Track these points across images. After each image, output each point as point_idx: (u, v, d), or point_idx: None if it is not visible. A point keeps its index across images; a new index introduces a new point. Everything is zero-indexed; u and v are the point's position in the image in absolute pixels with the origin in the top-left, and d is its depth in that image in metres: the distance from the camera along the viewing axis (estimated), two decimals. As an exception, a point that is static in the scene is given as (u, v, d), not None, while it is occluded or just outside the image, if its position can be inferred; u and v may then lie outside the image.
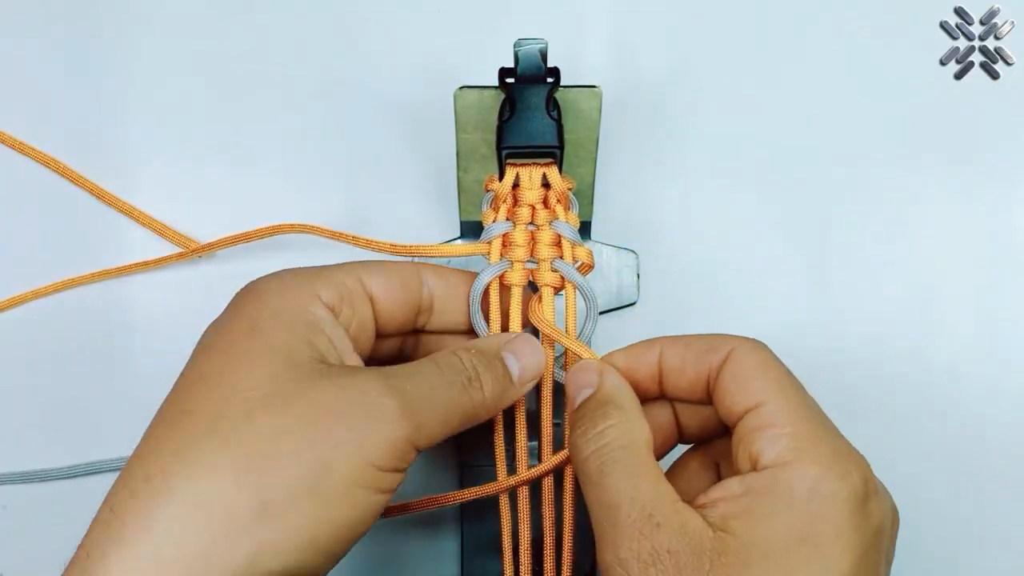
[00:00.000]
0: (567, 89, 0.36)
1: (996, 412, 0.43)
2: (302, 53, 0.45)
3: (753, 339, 0.32)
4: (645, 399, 0.33)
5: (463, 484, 0.41)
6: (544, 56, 0.35)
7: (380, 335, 0.34)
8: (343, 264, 0.33)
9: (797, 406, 0.30)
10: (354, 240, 0.36)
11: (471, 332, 0.35)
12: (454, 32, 0.45)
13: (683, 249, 0.43)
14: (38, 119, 0.44)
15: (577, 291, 0.35)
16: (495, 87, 0.36)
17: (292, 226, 0.39)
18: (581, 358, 0.34)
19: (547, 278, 0.36)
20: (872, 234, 0.44)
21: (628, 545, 0.28)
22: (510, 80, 0.35)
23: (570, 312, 0.36)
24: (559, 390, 0.35)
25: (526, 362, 0.33)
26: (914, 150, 0.44)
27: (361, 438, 0.27)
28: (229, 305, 0.31)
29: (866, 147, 0.44)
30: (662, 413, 0.34)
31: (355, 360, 0.31)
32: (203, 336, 0.31)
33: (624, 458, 0.30)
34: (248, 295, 0.31)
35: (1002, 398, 0.43)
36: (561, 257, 0.36)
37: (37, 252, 0.44)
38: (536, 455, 0.36)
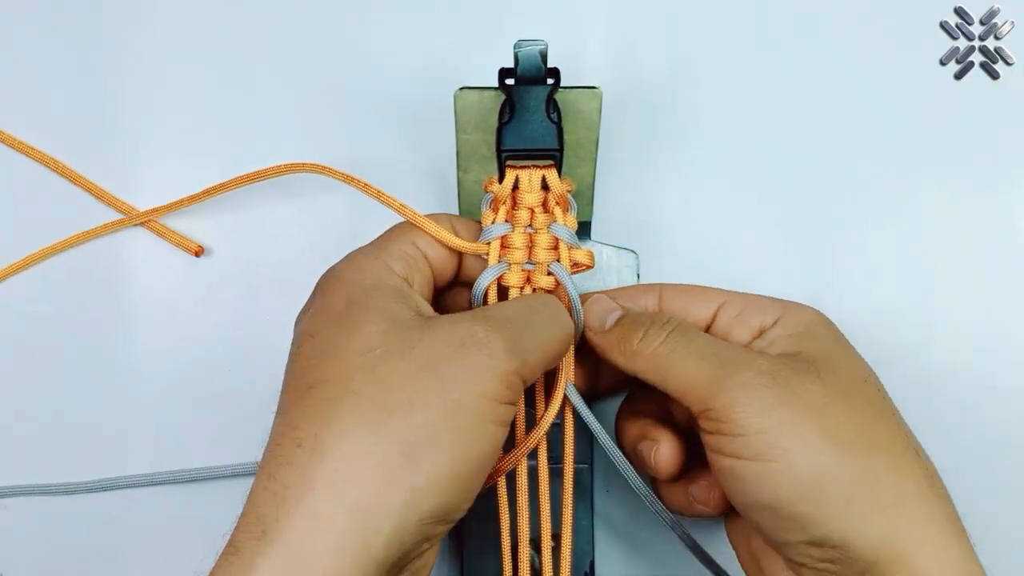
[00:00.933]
0: (567, 90, 0.36)
1: (996, 411, 0.43)
2: (302, 54, 0.45)
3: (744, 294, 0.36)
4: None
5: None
6: (544, 57, 0.35)
7: (435, 291, 0.36)
8: (392, 232, 0.35)
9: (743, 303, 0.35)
10: (366, 187, 0.36)
11: None
12: (454, 33, 0.44)
13: (683, 249, 0.43)
14: (38, 119, 0.44)
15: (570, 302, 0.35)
16: (495, 88, 0.36)
17: (304, 165, 0.38)
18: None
19: (543, 282, 0.36)
20: (872, 234, 0.44)
21: (737, 377, 0.31)
22: (510, 81, 0.35)
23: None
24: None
25: (592, 309, 0.36)
26: (914, 150, 0.44)
27: (478, 375, 0.29)
28: (315, 293, 0.33)
29: (866, 147, 0.44)
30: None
31: (434, 315, 0.33)
32: (300, 325, 0.32)
33: (683, 335, 0.33)
34: (331, 279, 0.33)
35: (1002, 397, 0.43)
36: (559, 260, 0.36)
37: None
38: (533, 454, 0.36)
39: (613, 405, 0.41)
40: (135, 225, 0.44)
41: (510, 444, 0.36)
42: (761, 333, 0.35)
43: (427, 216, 0.35)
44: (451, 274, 0.36)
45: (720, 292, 0.36)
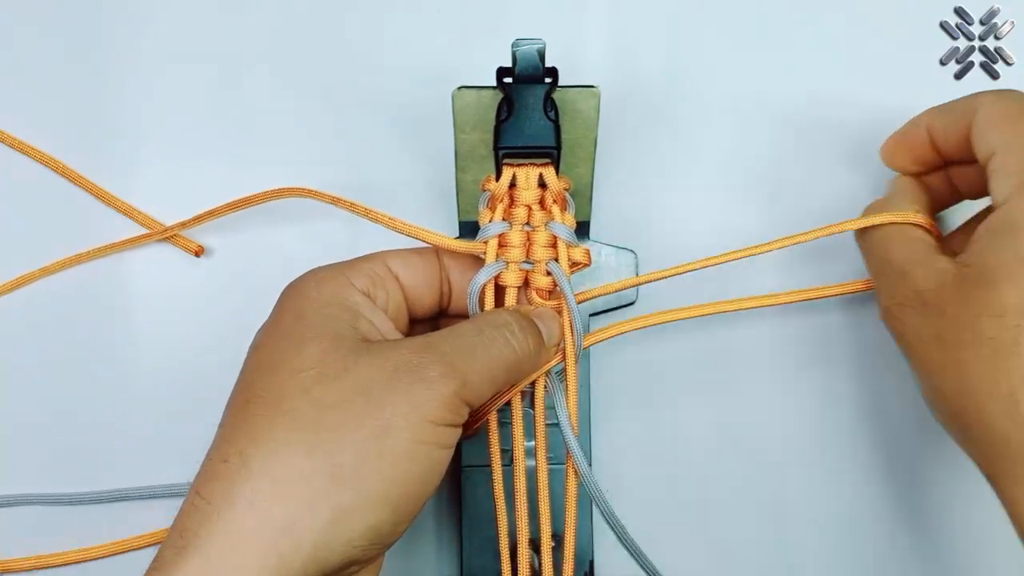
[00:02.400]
0: (565, 89, 0.36)
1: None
2: (302, 53, 0.45)
3: (998, 91, 0.36)
4: (931, 168, 0.39)
5: (462, 485, 0.41)
6: (542, 56, 0.35)
7: (412, 319, 0.36)
8: (368, 254, 0.35)
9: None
10: (352, 207, 0.36)
11: None
12: (453, 32, 0.45)
13: (682, 248, 0.43)
14: (38, 119, 0.45)
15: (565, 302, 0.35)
16: (494, 87, 0.36)
17: (292, 190, 0.39)
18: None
19: (540, 282, 0.35)
20: (871, 234, 0.44)
21: (886, 295, 0.35)
22: (508, 80, 0.35)
23: (566, 315, 0.36)
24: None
25: (551, 328, 0.35)
26: (914, 150, 0.44)
27: (411, 399, 0.29)
28: (275, 306, 0.33)
29: (866, 147, 0.44)
30: (936, 177, 0.39)
31: (397, 337, 0.33)
32: (256, 337, 0.33)
33: (885, 233, 0.36)
34: (289, 292, 0.33)
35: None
36: (556, 258, 0.36)
37: (37, 252, 0.44)
38: (532, 455, 0.36)
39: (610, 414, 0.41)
40: (135, 224, 0.44)
41: (509, 445, 0.36)
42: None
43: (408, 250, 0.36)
44: (431, 303, 0.36)
45: (928, 114, 0.38)
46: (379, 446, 0.28)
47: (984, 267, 0.32)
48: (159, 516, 0.43)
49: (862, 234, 0.37)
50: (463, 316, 0.36)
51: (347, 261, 0.34)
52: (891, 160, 0.39)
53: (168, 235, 0.43)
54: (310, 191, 0.38)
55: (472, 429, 0.35)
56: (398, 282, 0.35)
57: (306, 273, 0.34)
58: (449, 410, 0.30)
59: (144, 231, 0.44)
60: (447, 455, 0.30)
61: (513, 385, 0.35)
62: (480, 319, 0.33)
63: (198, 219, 0.42)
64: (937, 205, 0.40)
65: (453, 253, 0.36)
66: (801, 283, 0.43)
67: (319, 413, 0.29)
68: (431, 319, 0.37)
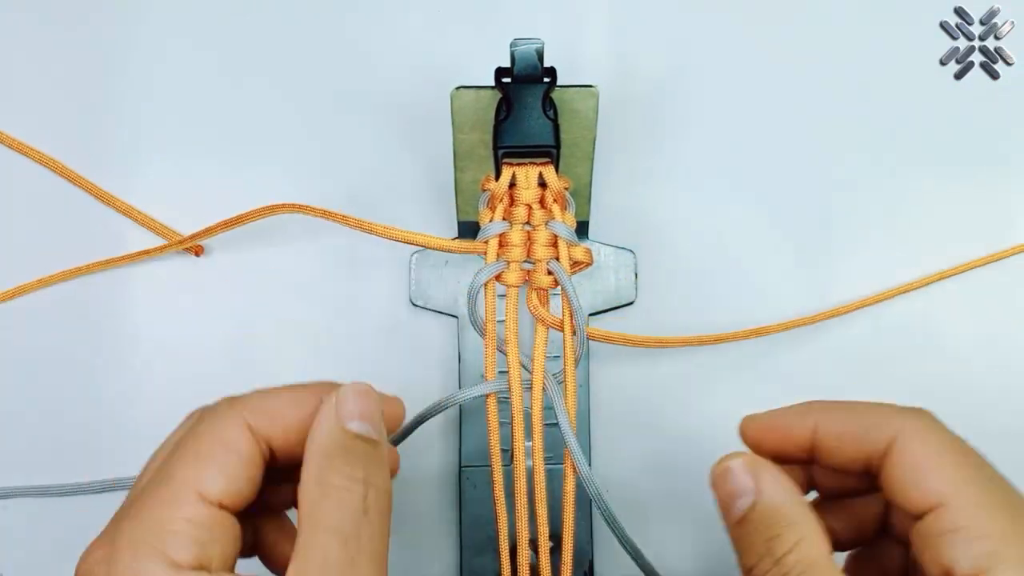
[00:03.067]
0: (564, 89, 0.36)
1: (997, 409, 0.43)
2: (301, 54, 0.45)
3: (919, 413, 0.29)
4: (793, 461, 0.31)
5: (462, 485, 0.41)
6: (540, 56, 0.35)
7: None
8: (161, 490, 0.27)
9: (986, 501, 0.27)
10: (344, 220, 0.36)
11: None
12: (452, 32, 0.45)
13: (682, 248, 0.43)
14: (38, 119, 0.45)
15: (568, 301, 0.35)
16: (492, 87, 0.36)
17: (284, 206, 0.38)
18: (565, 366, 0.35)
19: (542, 281, 0.35)
20: (871, 234, 0.44)
21: None
22: (506, 80, 0.35)
23: (567, 315, 0.36)
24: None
25: (350, 407, 0.28)
26: (914, 150, 0.44)
27: None
28: None
29: (866, 147, 0.44)
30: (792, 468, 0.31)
31: None
32: None
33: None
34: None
35: (1002, 396, 0.43)
36: (557, 257, 0.36)
37: (36, 252, 0.44)
38: (530, 455, 0.36)
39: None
40: (135, 224, 0.44)
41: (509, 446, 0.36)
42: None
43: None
44: (256, 486, 0.29)
45: (818, 411, 0.30)
46: None
47: None
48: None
49: None
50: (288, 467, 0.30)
51: (147, 522, 0.26)
52: (755, 443, 0.32)
53: (163, 250, 0.43)
54: (302, 206, 0.38)
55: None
56: (223, 508, 0.27)
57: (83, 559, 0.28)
58: None
59: (144, 231, 0.44)
60: None
61: None
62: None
63: (194, 236, 0.42)
64: None
65: (270, 415, 0.29)
66: (800, 281, 0.43)
67: None
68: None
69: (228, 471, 0.27)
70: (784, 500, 0.28)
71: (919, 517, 0.27)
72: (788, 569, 0.26)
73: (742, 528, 0.28)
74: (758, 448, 0.31)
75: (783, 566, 0.26)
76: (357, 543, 0.26)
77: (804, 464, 0.31)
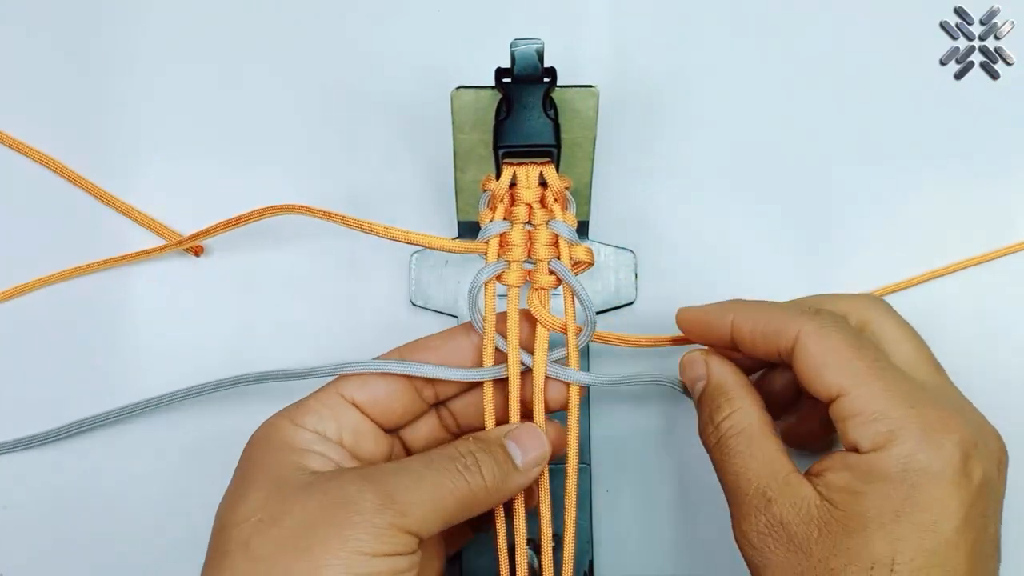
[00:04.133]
0: (564, 89, 0.36)
1: (997, 410, 0.43)
2: (301, 53, 0.45)
3: (817, 314, 0.33)
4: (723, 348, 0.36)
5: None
6: (540, 56, 0.35)
7: (394, 428, 0.36)
8: (322, 388, 0.35)
9: (879, 388, 0.31)
10: (344, 220, 0.36)
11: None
12: (452, 32, 0.45)
13: (681, 248, 0.43)
14: (38, 119, 0.45)
15: (575, 296, 0.35)
16: (492, 87, 0.36)
17: (283, 207, 0.38)
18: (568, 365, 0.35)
19: (543, 281, 0.35)
20: (871, 233, 0.44)
21: (747, 520, 0.32)
22: (507, 80, 0.35)
23: (569, 314, 0.36)
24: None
25: (529, 449, 0.34)
26: (914, 150, 0.44)
27: (345, 532, 0.29)
28: (237, 463, 0.34)
29: (866, 147, 0.44)
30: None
31: (354, 464, 0.33)
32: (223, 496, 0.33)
33: (738, 444, 0.33)
34: (245, 447, 0.34)
35: (1002, 396, 0.43)
36: (558, 257, 0.36)
37: (36, 252, 0.44)
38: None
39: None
40: (135, 224, 0.44)
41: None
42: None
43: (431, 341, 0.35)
44: (405, 410, 0.35)
45: (734, 310, 0.35)
46: None
47: (855, 516, 0.30)
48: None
49: (718, 448, 0.34)
50: (459, 393, 0.36)
51: (297, 402, 0.34)
52: (686, 332, 0.37)
53: (163, 250, 0.43)
54: (302, 207, 0.38)
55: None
56: (355, 407, 0.34)
57: (258, 428, 0.34)
58: (384, 541, 0.29)
59: (144, 231, 0.44)
60: None
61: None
62: (432, 451, 0.33)
63: (194, 236, 0.42)
64: None
65: (414, 348, 0.35)
66: (799, 280, 0.43)
67: (255, 564, 0.29)
68: (424, 414, 0.37)
69: (369, 383, 0.34)
70: (726, 380, 0.35)
71: (827, 404, 0.32)
72: (723, 433, 0.34)
73: (699, 405, 0.36)
74: (689, 336, 0.37)
75: (719, 430, 0.34)
76: None
77: (734, 351, 0.36)
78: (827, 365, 0.32)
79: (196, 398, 0.41)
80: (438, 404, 0.37)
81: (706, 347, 0.37)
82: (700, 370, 0.36)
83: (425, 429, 0.37)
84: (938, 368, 0.35)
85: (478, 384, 0.35)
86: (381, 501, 0.30)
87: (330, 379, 0.35)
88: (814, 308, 0.34)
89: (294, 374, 0.38)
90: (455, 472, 0.32)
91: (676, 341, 0.38)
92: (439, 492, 0.31)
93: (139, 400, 0.42)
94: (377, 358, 0.35)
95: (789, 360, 0.33)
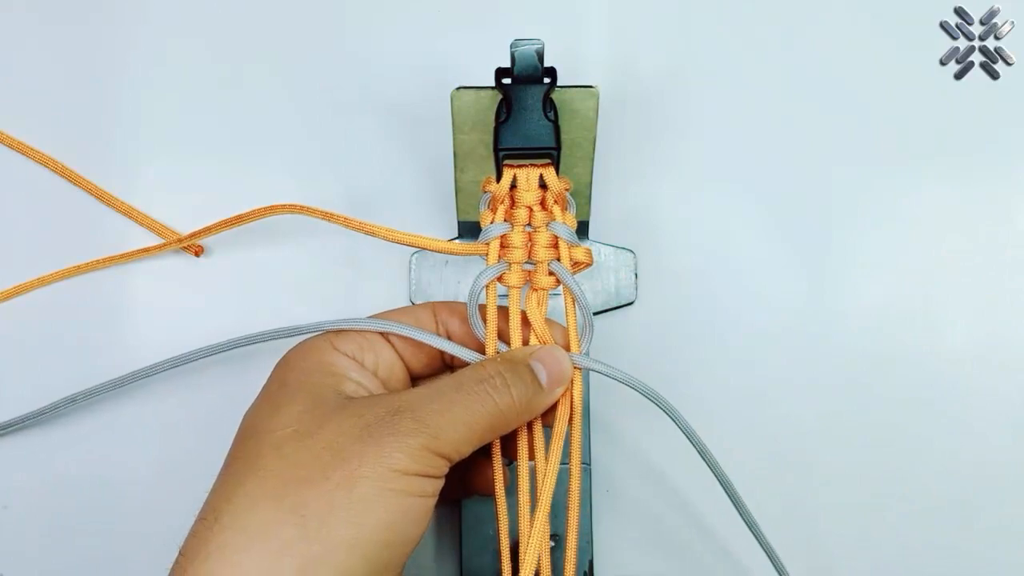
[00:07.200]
0: (564, 89, 0.36)
1: (997, 410, 0.43)
2: (301, 54, 0.45)
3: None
4: None
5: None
6: (540, 56, 0.35)
7: (415, 376, 0.37)
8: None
9: None
10: (346, 221, 0.36)
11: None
12: (452, 32, 0.45)
13: (681, 248, 0.43)
14: (38, 119, 0.45)
15: (575, 301, 0.35)
16: (492, 87, 0.36)
17: (284, 207, 0.38)
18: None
19: (543, 282, 0.35)
20: (871, 233, 0.44)
21: None
22: (507, 80, 0.35)
23: (570, 315, 0.36)
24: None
25: (552, 368, 0.34)
26: (914, 150, 0.44)
27: (380, 451, 0.30)
28: (268, 378, 0.34)
29: (866, 147, 0.44)
30: None
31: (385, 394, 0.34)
32: (247, 410, 0.34)
33: None
34: (279, 364, 0.34)
35: (1002, 396, 0.43)
36: (558, 258, 0.36)
37: (36, 252, 0.44)
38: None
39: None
40: (135, 224, 0.44)
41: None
42: None
43: (405, 309, 0.36)
44: (429, 360, 0.36)
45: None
46: (347, 496, 0.29)
47: None
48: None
49: None
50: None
51: (337, 329, 0.35)
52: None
53: (162, 248, 0.43)
54: (302, 207, 0.38)
55: (480, 480, 0.36)
56: (389, 343, 0.35)
57: (296, 345, 0.35)
58: (417, 461, 0.30)
59: (144, 231, 0.44)
60: (423, 504, 0.31)
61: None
62: (463, 373, 0.33)
63: (193, 236, 0.41)
64: None
65: (452, 308, 0.37)
66: (799, 281, 0.43)
67: (289, 469, 0.30)
68: (439, 372, 0.38)
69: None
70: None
71: None
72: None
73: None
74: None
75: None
76: None
77: None
78: None
79: (187, 366, 0.41)
80: (452, 368, 0.37)
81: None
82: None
83: None
84: None
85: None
86: (415, 424, 0.30)
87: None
88: None
89: (282, 333, 0.38)
90: (485, 394, 0.32)
91: None
92: (470, 415, 0.32)
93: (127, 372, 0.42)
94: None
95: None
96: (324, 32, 0.45)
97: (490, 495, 0.36)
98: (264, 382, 0.34)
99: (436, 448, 0.31)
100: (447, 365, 0.37)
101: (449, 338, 0.36)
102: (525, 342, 0.35)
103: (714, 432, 0.43)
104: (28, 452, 0.43)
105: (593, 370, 0.36)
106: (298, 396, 0.32)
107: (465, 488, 0.38)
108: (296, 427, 0.31)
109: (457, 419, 0.31)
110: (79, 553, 0.42)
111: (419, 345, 0.36)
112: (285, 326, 0.37)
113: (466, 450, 0.32)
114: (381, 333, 0.35)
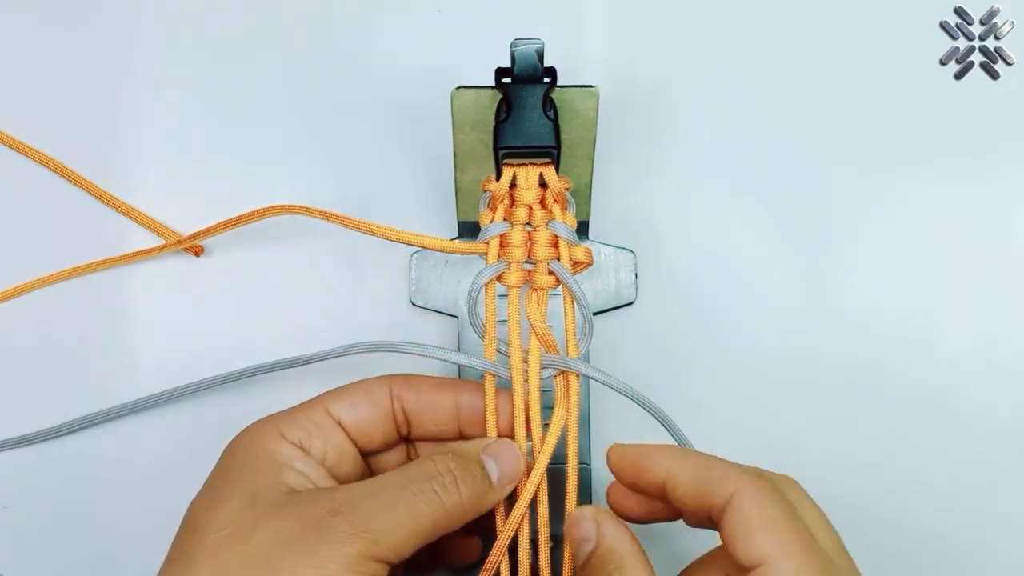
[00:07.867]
0: (564, 89, 0.36)
1: (997, 411, 0.43)
2: (301, 54, 0.45)
3: (759, 478, 0.31)
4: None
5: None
6: (540, 56, 0.35)
7: (369, 453, 0.36)
8: (309, 400, 0.35)
9: (804, 566, 0.29)
10: (345, 221, 0.36)
11: (459, 436, 0.36)
12: (452, 32, 0.45)
13: (681, 248, 0.43)
14: (38, 119, 0.45)
15: (575, 300, 0.35)
16: (492, 87, 0.36)
17: (284, 207, 0.38)
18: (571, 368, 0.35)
19: (543, 281, 0.35)
20: (871, 234, 0.44)
21: None
22: (507, 80, 0.35)
23: (569, 315, 0.36)
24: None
25: (504, 465, 0.34)
26: (914, 150, 0.44)
27: (314, 559, 0.29)
28: (215, 464, 0.34)
29: (866, 147, 0.44)
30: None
31: (331, 484, 0.33)
32: (195, 496, 0.33)
33: None
34: (226, 450, 0.34)
35: (1003, 396, 0.43)
36: (558, 258, 0.36)
37: (36, 252, 0.44)
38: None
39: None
40: (135, 224, 0.44)
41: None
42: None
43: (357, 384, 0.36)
44: (384, 437, 0.36)
45: (672, 456, 0.33)
46: None
47: None
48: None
49: None
50: (431, 438, 0.37)
51: (285, 411, 0.35)
52: (616, 473, 0.35)
53: (162, 249, 0.43)
54: (301, 207, 0.38)
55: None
56: (340, 427, 0.35)
57: (244, 429, 0.34)
58: (354, 571, 0.29)
59: (144, 231, 0.44)
60: None
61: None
62: (411, 468, 0.32)
63: (193, 236, 0.42)
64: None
65: (409, 381, 0.36)
66: (799, 281, 0.43)
67: None
68: (397, 445, 0.37)
69: (358, 407, 0.35)
70: (620, 546, 0.32)
71: (747, 570, 0.29)
72: None
73: (587, 568, 0.32)
74: (619, 477, 0.35)
75: None
76: None
77: (661, 499, 0.34)
78: (760, 530, 0.30)
79: (201, 393, 0.42)
80: (409, 440, 0.37)
81: (595, 506, 0.34)
82: (589, 531, 0.33)
83: (395, 459, 0.37)
84: (849, 557, 0.33)
85: (454, 429, 0.36)
86: (353, 529, 0.30)
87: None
88: (756, 470, 0.32)
89: (300, 361, 0.38)
90: (431, 493, 0.31)
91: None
92: (414, 515, 0.31)
93: (142, 397, 0.42)
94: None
95: (718, 516, 0.31)
96: (324, 32, 0.45)
97: (464, 567, 0.36)
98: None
99: (375, 554, 0.30)
100: (403, 438, 0.37)
101: (403, 409, 0.36)
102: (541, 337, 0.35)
103: (713, 432, 0.43)
104: (28, 453, 0.43)
105: (592, 378, 0.35)
106: (237, 491, 0.31)
107: (436, 561, 0.38)
108: (231, 529, 0.30)
109: (400, 519, 0.30)
110: (79, 553, 0.42)
111: (374, 422, 0.35)
112: (311, 353, 0.38)
113: (408, 552, 0.31)
114: (332, 415, 0.34)
